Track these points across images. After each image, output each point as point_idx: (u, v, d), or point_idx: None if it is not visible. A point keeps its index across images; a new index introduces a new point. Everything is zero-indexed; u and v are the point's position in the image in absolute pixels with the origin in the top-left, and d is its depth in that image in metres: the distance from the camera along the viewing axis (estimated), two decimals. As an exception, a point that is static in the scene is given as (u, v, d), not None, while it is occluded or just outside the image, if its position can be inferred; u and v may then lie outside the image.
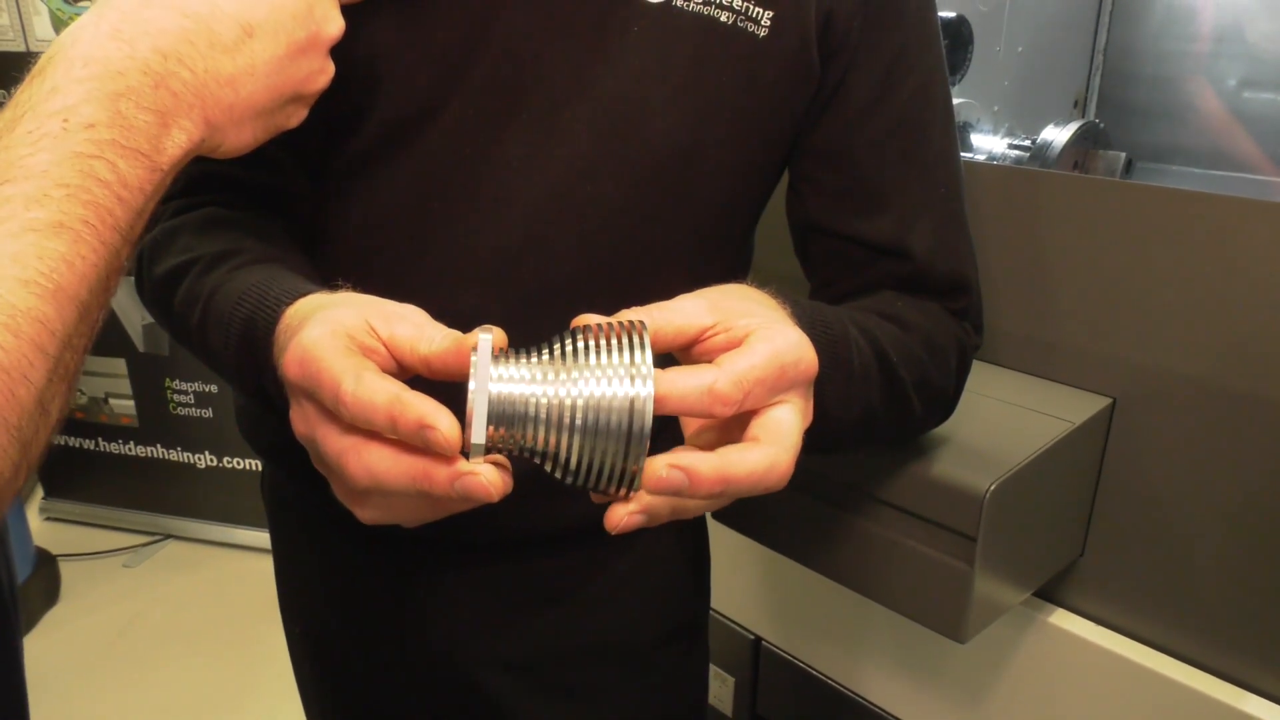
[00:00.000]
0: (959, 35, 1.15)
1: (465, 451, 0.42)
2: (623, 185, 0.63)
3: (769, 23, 0.62)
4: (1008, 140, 1.24)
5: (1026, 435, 0.79)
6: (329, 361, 0.42)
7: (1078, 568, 0.93)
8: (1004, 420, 0.82)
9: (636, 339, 0.43)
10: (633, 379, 0.42)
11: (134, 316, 2.50)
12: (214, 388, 2.53)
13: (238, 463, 2.60)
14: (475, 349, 0.42)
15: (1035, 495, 0.79)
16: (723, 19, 0.61)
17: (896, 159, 0.67)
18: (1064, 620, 0.94)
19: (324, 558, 0.79)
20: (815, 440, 0.55)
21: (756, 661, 1.26)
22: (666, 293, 0.64)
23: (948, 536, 0.74)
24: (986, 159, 1.21)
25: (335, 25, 0.52)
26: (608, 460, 0.42)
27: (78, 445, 2.67)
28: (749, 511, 0.88)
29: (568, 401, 0.42)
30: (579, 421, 0.41)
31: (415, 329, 0.44)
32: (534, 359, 0.43)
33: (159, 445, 2.63)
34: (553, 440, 0.42)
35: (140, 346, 2.53)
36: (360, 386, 0.41)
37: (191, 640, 2.33)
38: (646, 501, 0.43)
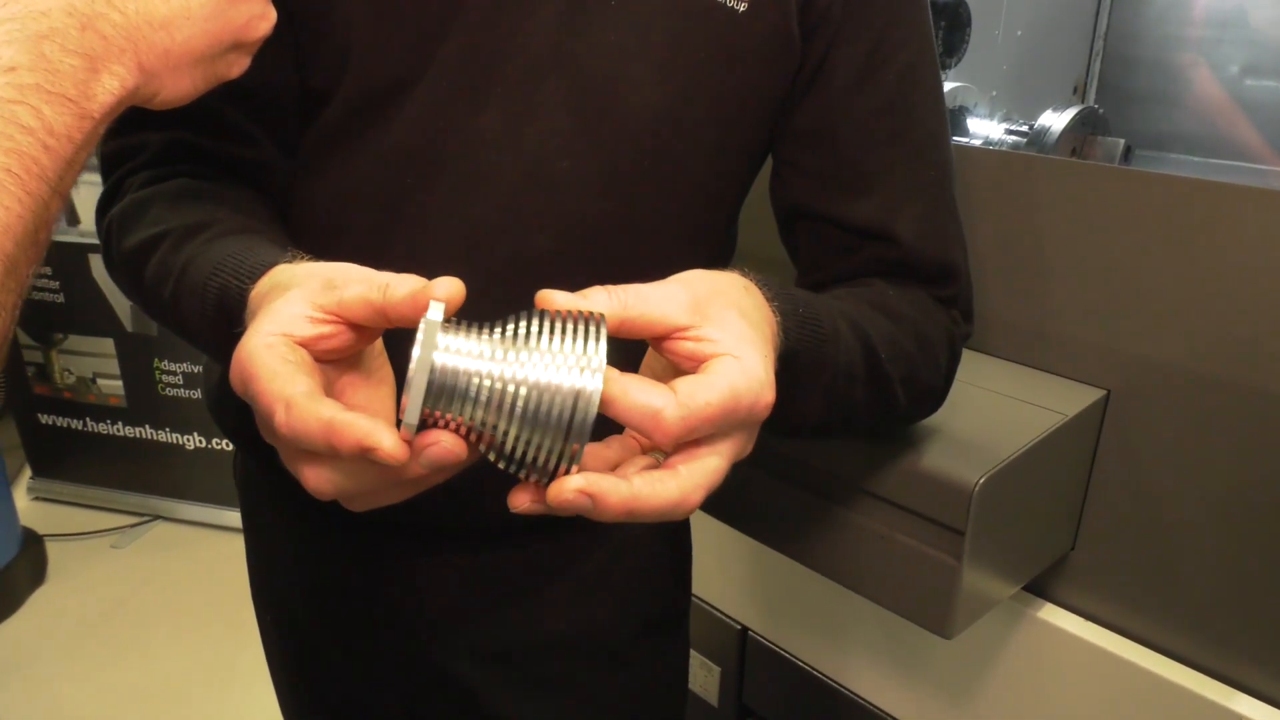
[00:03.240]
0: (957, 17, 1.12)
1: (399, 421, 0.39)
2: (601, 162, 0.60)
3: (748, 0, 0.59)
4: (1005, 125, 1.21)
5: (1017, 427, 0.77)
6: (264, 384, 0.40)
7: (1068, 562, 0.91)
8: (995, 411, 0.80)
9: (594, 329, 0.40)
10: (582, 371, 0.39)
11: (122, 296, 2.48)
12: (201, 368, 2.51)
13: (226, 444, 2.57)
14: (425, 316, 0.40)
15: (1025, 489, 0.77)
16: None
17: (883, 140, 0.65)
18: (1053, 615, 0.92)
19: (297, 544, 0.77)
20: (786, 428, 0.53)
21: (743, 651, 1.24)
22: (644, 275, 0.62)
23: (935, 530, 0.72)
24: (983, 144, 1.19)
25: None
26: (542, 451, 0.40)
27: (65, 425, 2.65)
28: (734, 503, 0.86)
29: (511, 384, 0.39)
30: (519, 407, 0.39)
31: (364, 285, 0.42)
32: (485, 334, 0.41)
33: (147, 426, 2.61)
34: (489, 421, 0.40)
35: (128, 326, 2.51)
36: (292, 416, 0.39)
37: (179, 621, 2.32)
38: (552, 503, 0.41)
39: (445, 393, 0.39)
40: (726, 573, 1.21)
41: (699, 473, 0.42)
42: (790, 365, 0.50)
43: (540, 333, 0.40)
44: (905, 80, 0.65)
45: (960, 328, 0.69)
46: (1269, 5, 1.55)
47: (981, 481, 0.70)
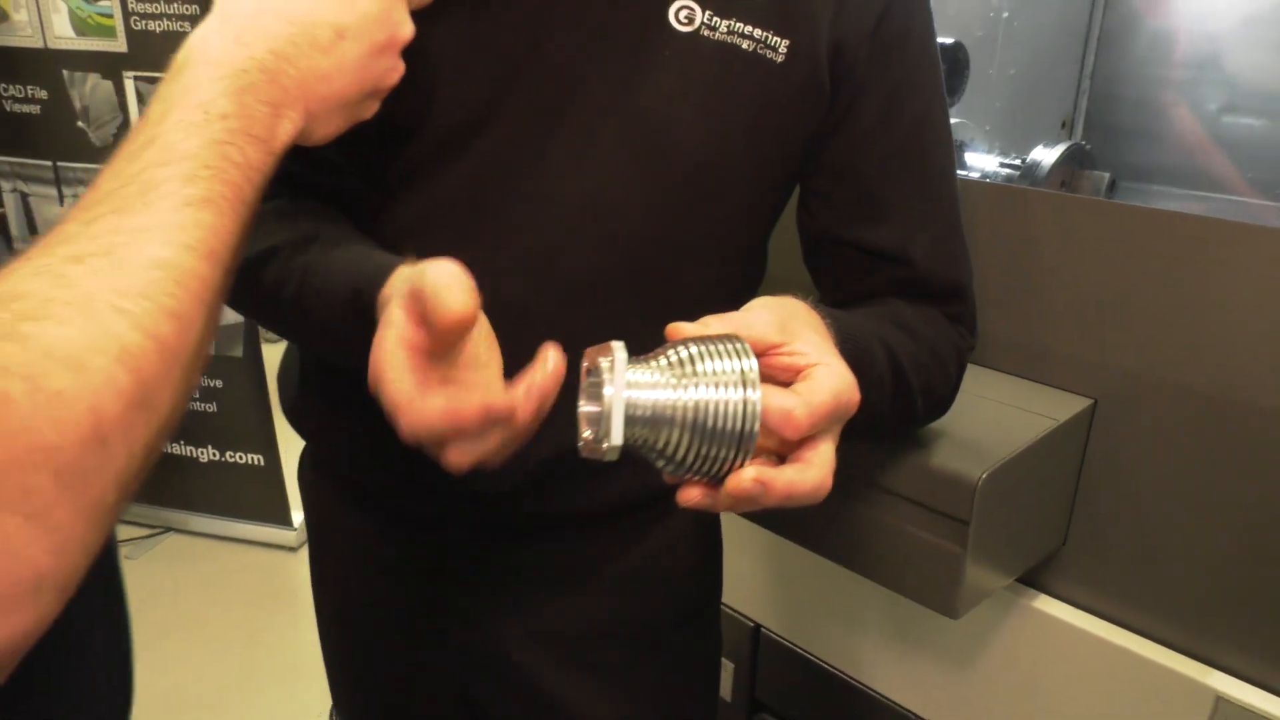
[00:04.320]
0: (956, 60, 1.22)
1: (600, 450, 0.48)
2: (652, 192, 0.69)
3: (785, 50, 0.69)
4: (999, 159, 1.31)
5: (1015, 431, 0.86)
6: (390, 387, 0.51)
7: (1061, 557, 1.00)
8: (994, 417, 0.89)
9: (742, 347, 0.48)
10: (744, 384, 0.47)
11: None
12: (218, 382, 2.58)
13: (240, 457, 2.64)
14: (607, 357, 0.48)
15: (1022, 486, 0.86)
16: (744, 46, 0.68)
17: (900, 175, 0.74)
18: (1048, 605, 1.01)
19: (363, 538, 0.85)
20: None
21: (755, 648, 1.32)
22: (687, 290, 0.70)
23: (943, 521, 0.81)
24: (980, 176, 1.28)
25: (408, 29, 0.59)
26: (714, 457, 0.48)
27: (82, 439, 2.71)
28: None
29: (687, 408, 0.47)
30: (698, 428, 0.47)
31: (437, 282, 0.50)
32: (651, 366, 0.49)
33: (162, 439, 2.67)
34: (668, 441, 0.48)
35: (148, 342, 2.57)
36: (412, 414, 0.49)
37: (191, 633, 2.38)
38: (720, 495, 0.50)
39: (635, 422, 0.47)
40: (739, 571, 1.29)
41: (825, 459, 0.52)
42: None
43: (698, 359, 0.48)
44: (919, 123, 0.75)
45: (966, 341, 0.78)
46: (1244, 49, 1.65)
47: (984, 476, 0.78)
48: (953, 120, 1.33)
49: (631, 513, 0.81)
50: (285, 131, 0.51)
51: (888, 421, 0.70)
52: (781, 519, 0.95)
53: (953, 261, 0.77)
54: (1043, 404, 0.92)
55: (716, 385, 0.47)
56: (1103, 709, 0.97)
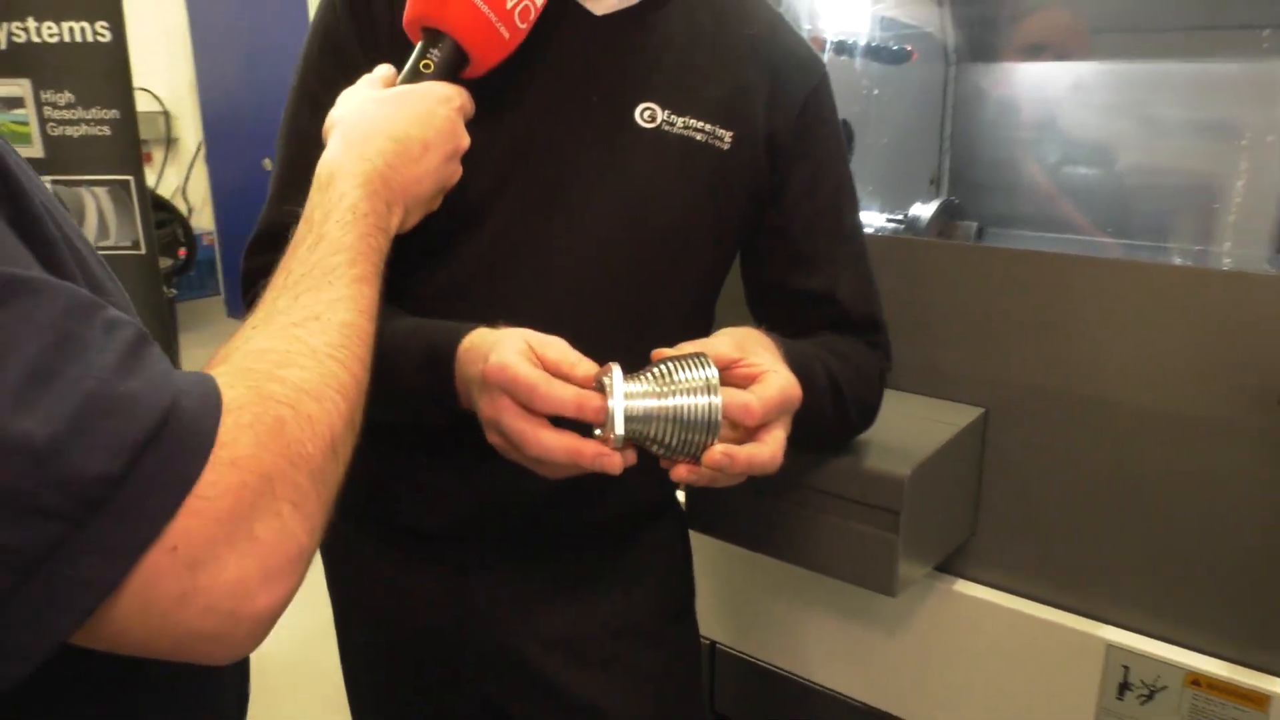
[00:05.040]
0: (845, 134, 1.43)
1: (609, 441, 0.65)
2: (635, 255, 0.85)
3: (730, 140, 0.86)
4: (885, 215, 1.52)
5: (927, 436, 1.04)
6: (523, 371, 0.65)
7: (972, 545, 1.18)
8: (908, 427, 1.07)
9: (705, 360, 0.67)
10: (709, 392, 0.65)
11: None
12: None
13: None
14: (609, 376, 0.65)
15: (938, 482, 1.04)
16: (698, 138, 0.85)
17: (823, 233, 0.92)
18: (966, 588, 1.18)
19: (387, 571, 0.95)
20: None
21: (713, 663, 1.46)
22: (666, 328, 0.87)
23: (878, 514, 0.97)
24: (872, 230, 1.49)
25: (466, 139, 0.76)
26: (692, 444, 0.66)
27: None
28: (718, 515, 1.10)
29: (673, 409, 0.65)
30: (678, 420, 0.65)
31: (561, 353, 0.68)
32: (641, 379, 0.66)
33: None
34: (658, 431, 0.65)
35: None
36: (551, 388, 0.64)
37: None
38: (701, 470, 0.67)
39: (632, 420, 0.64)
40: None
41: (778, 440, 0.70)
42: None
43: (672, 370, 0.66)
44: (836, 191, 0.93)
45: (885, 364, 0.96)
46: (1073, 109, 1.93)
47: (910, 472, 0.96)
48: (842, 184, 1.55)
49: (626, 522, 0.96)
50: (396, 221, 0.67)
51: (831, 426, 0.87)
52: (738, 529, 1.10)
53: (869, 300, 0.95)
54: (944, 415, 1.11)
55: (689, 390, 0.65)
56: (1018, 668, 1.15)
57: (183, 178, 5.69)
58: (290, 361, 0.50)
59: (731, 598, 1.40)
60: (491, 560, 0.92)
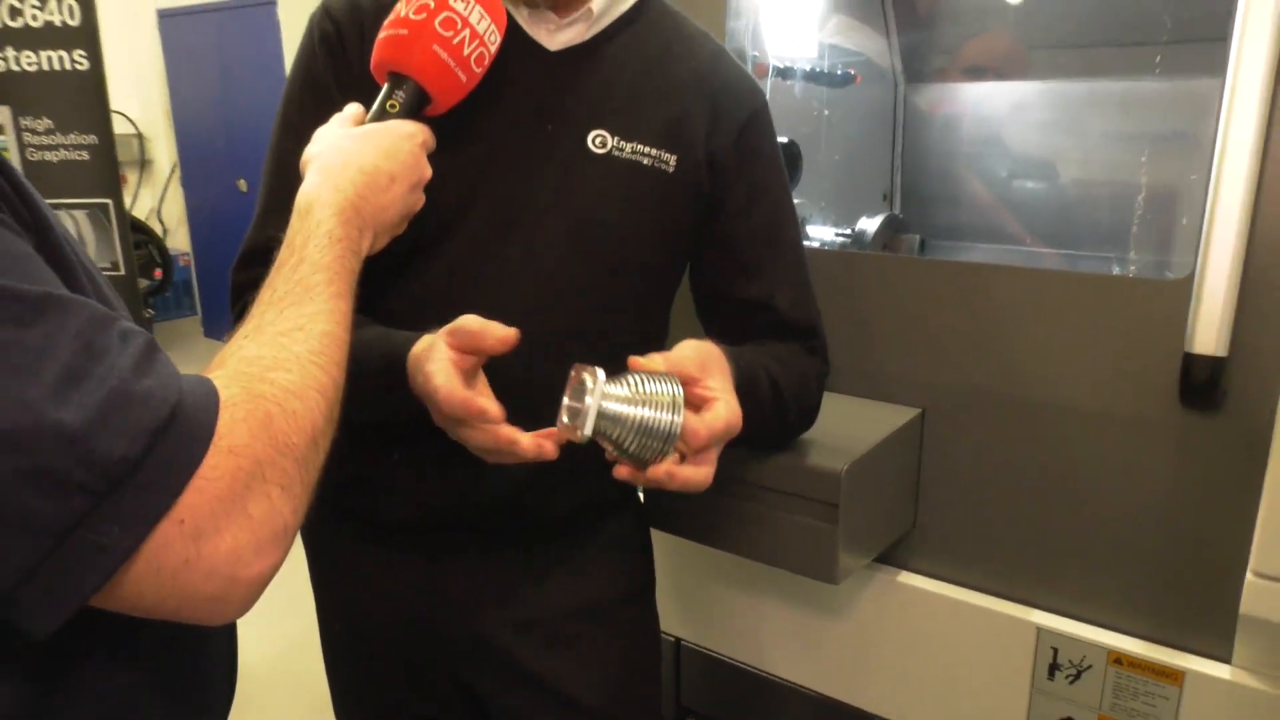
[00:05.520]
0: (790, 153, 1.51)
1: (575, 435, 0.73)
2: (587, 271, 0.93)
3: (674, 163, 0.94)
4: (835, 230, 1.61)
5: (864, 434, 1.12)
6: (444, 384, 0.77)
7: (912, 538, 1.26)
8: (847, 427, 1.15)
9: (676, 384, 0.75)
10: (674, 410, 0.74)
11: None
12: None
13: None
14: (592, 377, 0.72)
15: (875, 477, 1.12)
16: (644, 162, 0.93)
17: (762, 246, 1.00)
18: (908, 579, 1.26)
19: (365, 560, 1.02)
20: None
21: (678, 659, 1.53)
22: (621, 338, 0.94)
23: (819, 507, 1.05)
24: (820, 245, 1.57)
25: (428, 171, 0.83)
26: (647, 451, 0.74)
27: None
28: (674, 512, 1.17)
29: (639, 418, 0.73)
30: (640, 429, 0.73)
31: (468, 334, 0.78)
32: (619, 384, 0.73)
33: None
34: (620, 435, 0.73)
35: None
36: (453, 400, 0.76)
37: None
38: (641, 475, 0.76)
39: (603, 419, 0.72)
40: (660, 594, 1.50)
41: (712, 462, 0.80)
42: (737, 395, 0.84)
43: (646, 383, 0.74)
44: (774, 206, 1.01)
45: (822, 367, 1.04)
46: (1014, 127, 2.03)
47: (846, 467, 1.03)
48: (796, 200, 1.64)
49: (586, 514, 1.03)
50: (365, 246, 0.75)
51: (772, 425, 0.95)
52: (697, 527, 1.17)
53: (806, 308, 1.03)
54: (883, 415, 1.19)
55: (657, 407, 0.73)
56: (958, 653, 1.23)
57: (157, 199, 5.73)
58: (277, 366, 0.58)
59: (693, 597, 1.47)
60: (461, 550, 0.99)
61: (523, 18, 0.93)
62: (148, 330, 0.60)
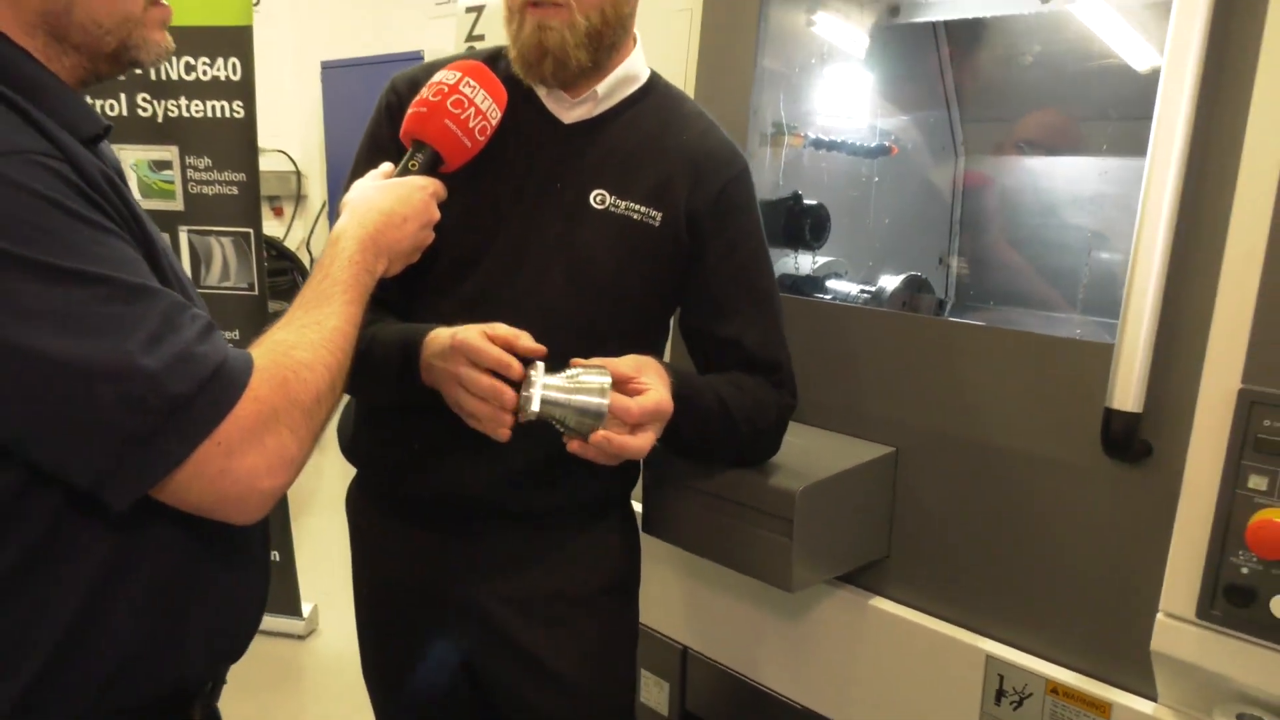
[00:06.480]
0: (819, 217, 1.68)
1: (517, 413, 0.96)
2: (583, 305, 1.13)
3: (660, 218, 1.14)
4: (860, 286, 1.75)
5: (831, 464, 1.26)
6: (473, 337, 0.99)
7: (886, 566, 1.39)
8: (818, 457, 1.29)
9: (605, 375, 0.96)
10: (601, 395, 0.95)
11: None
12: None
13: (259, 556, 2.99)
14: (534, 369, 0.96)
15: (836, 502, 1.26)
16: (635, 217, 1.13)
17: (735, 292, 1.18)
18: (881, 603, 1.39)
19: (391, 535, 1.24)
20: (678, 448, 1.04)
21: (684, 667, 1.68)
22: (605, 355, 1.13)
23: (778, 521, 1.20)
24: (833, 298, 1.72)
25: (437, 214, 1.06)
26: (584, 427, 0.95)
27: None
28: (666, 522, 1.34)
29: (574, 401, 0.95)
30: (576, 409, 0.95)
31: (507, 329, 1.00)
32: (558, 377, 0.96)
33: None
34: (562, 415, 0.95)
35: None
36: (488, 348, 0.98)
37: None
38: (588, 446, 0.97)
39: (546, 404, 0.94)
40: (669, 604, 1.66)
41: (648, 436, 1.01)
42: (675, 403, 1.02)
43: (579, 375, 0.96)
44: (749, 258, 1.19)
45: (786, 400, 1.21)
46: (1071, 200, 2.12)
47: (801, 489, 1.18)
48: (825, 258, 1.79)
49: (580, 510, 1.23)
50: (382, 268, 0.98)
51: (720, 439, 1.13)
52: (683, 536, 1.34)
53: (773, 347, 1.20)
54: (857, 450, 1.33)
55: (588, 391, 0.94)
56: (920, 675, 1.34)
57: (309, 231, 6.28)
58: (297, 346, 0.82)
59: (703, 609, 1.63)
60: (466, 528, 1.20)
61: (544, 95, 1.14)
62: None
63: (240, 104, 2.62)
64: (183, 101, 2.63)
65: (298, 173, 6.18)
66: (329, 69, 5.71)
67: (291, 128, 5.83)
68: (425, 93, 1.04)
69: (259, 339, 0.84)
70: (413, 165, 1.04)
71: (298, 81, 5.79)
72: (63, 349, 0.68)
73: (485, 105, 1.03)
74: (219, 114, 2.63)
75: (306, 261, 5.93)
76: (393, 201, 1.00)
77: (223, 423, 0.73)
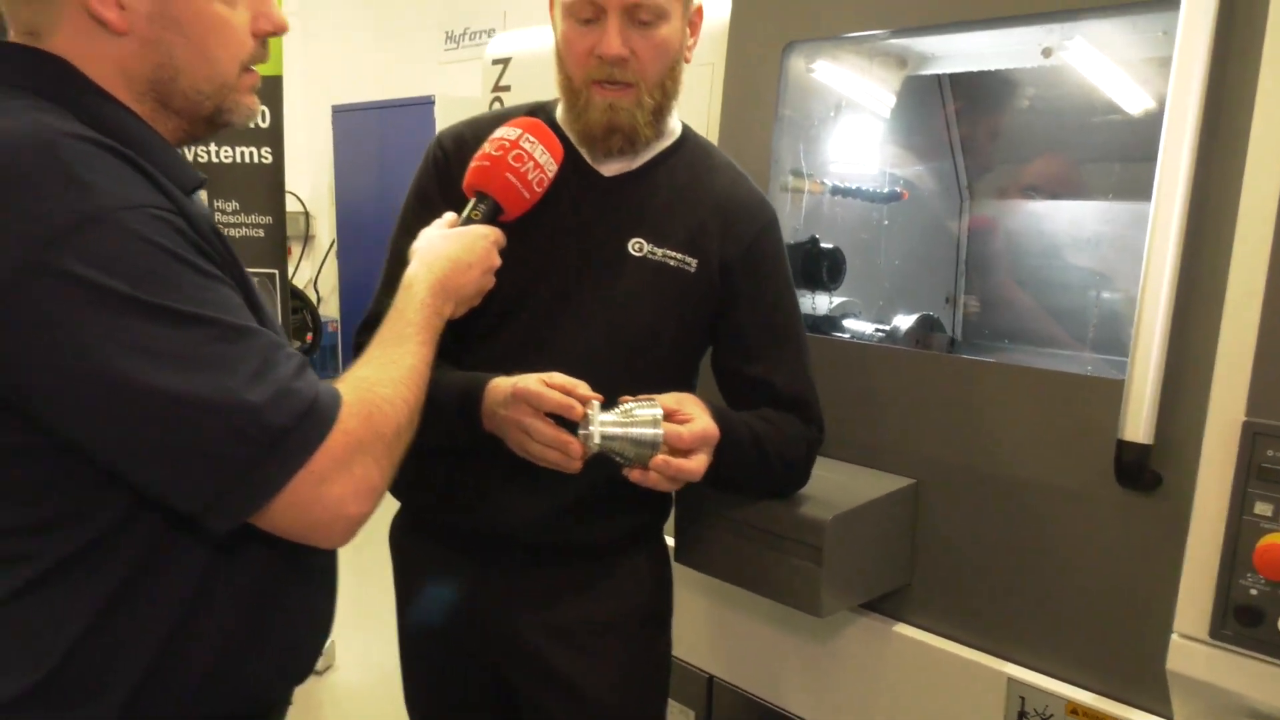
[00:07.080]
0: (835, 260, 1.75)
1: (589, 449, 1.03)
2: (622, 349, 1.21)
3: (695, 266, 1.21)
4: (875, 325, 1.82)
5: (857, 495, 1.33)
6: (533, 384, 1.06)
7: (910, 592, 1.44)
8: (845, 488, 1.36)
9: (657, 407, 1.05)
10: (655, 425, 1.04)
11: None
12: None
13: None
14: (591, 408, 1.03)
15: (863, 531, 1.32)
16: (671, 264, 1.21)
17: (765, 335, 1.26)
18: (904, 629, 1.44)
19: (434, 564, 1.29)
20: (714, 480, 1.11)
21: (710, 695, 1.72)
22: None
23: (807, 549, 1.26)
24: (850, 337, 1.79)
25: (497, 261, 1.13)
26: (642, 456, 1.04)
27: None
28: (698, 552, 1.40)
29: (631, 434, 1.03)
30: (634, 440, 1.03)
31: (565, 378, 1.07)
32: (613, 413, 1.04)
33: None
34: (620, 447, 1.03)
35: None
36: (549, 394, 1.05)
37: None
38: (648, 474, 1.05)
39: (605, 438, 1.02)
40: (695, 633, 1.71)
41: (700, 460, 1.09)
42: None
43: (634, 410, 1.04)
44: (779, 304, 1.27)
45: (815, 435, 1.28)
46: (1071, 251, 2.20)
47: (831, 518, 1.25)
48: (841, 299, 1.87)
49: (614, 545, 1.29)
50: (449, 311, 1.06)
51: (755, 470, 1.19)
52: (715, 565, 1.39)
53: (801, 386, 1.27)
54: (880, 482, 1.40)
55: (643, 423, 1.02)
56: (939, 694, 1.39)
57: (315, 270, 6.37)
58: (379, 383, 0.89)
59: (728, 638, 1.68)
60: (509, 561, 1.26)
61: (585, 152, 1.22)
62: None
63: (269, 150, 2.72)
64: (213, 147, 2.72)
65: (306, 213, 6.28)
66: (340, 112, 5.82)
67: (301, 169, 5.94)
68: (487, 147, 1.12)
69: (342, 375, 0.90)
70: (475, 215, 1.11)
71: (309, 124, 5.92)
72: (176, 384, 0.75)
73: (543, 159, 1.11)
74: (248, 160, 2.72)
75: (315, 301, 6.01)
76: (458, 249, 1.07)
77: (316, 453, 0.79)
